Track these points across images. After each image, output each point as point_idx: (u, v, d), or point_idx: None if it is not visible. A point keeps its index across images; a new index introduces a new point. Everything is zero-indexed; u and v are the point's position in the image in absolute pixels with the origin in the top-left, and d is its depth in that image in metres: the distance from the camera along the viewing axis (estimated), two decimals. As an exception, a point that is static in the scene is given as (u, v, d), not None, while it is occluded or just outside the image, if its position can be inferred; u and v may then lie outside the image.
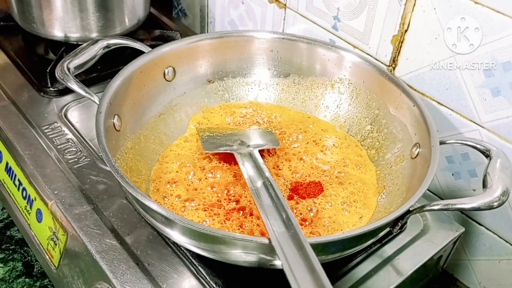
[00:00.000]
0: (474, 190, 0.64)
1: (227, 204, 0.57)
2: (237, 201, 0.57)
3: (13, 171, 0.66)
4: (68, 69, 0.61)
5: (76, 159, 0.64)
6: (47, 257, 0.62)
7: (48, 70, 0.73)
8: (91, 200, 0.58)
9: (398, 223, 0.52)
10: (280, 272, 0.41)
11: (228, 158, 0.63)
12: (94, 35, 0.78)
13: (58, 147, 0.65)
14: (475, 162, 0.62)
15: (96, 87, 0.75)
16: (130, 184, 0.47)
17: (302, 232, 0.45)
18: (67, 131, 0.68)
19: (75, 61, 0.62)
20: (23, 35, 0.84)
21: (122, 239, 0.54)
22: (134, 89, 0.62)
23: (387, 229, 0.52)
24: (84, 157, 0.64)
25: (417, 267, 0.56)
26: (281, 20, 0.79)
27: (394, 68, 0.66)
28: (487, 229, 0.64)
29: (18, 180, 0.65)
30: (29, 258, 0.70)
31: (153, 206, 0.46)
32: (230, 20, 0.89)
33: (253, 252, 0.45)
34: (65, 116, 0.70)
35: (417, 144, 0.58)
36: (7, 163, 0.68)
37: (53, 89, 0.73)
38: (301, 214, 0.57)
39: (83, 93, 0.59)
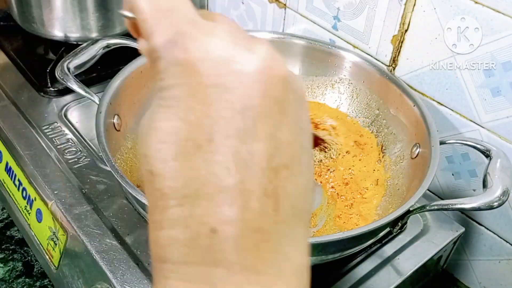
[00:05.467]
0: (474, 190, 0.64)
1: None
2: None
3: (13, 171, 0.66)
4: (68, 69, 0.61)
5: (76, 159, 0.64)
6: (47, 257, 0.62)
7: (48, 70, 0.73)
8: (91, 200, 0.58)
9: (398, 223, 0.52)
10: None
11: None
12: (94, 35, 0.78)
13: (58, 147, 0.65)
14: (475, 162, 0.62)
15: (96, 87, 0.75)
16: (130, 184, 0.47)
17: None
18: (67, 131, 0.68)
19: (75, 61, 0.62)
20: (23, 35, 0.84)
21: (122, 239, 0.54)
22: (134, 89, 0.62)
23: (387, 229, 0.52)
24: (84, 157, 0.64)
25: (417, 267, 0.56)
26: (281, 20, 0.79)
27: (394, 68, 0.66)
28: (487, 229, 0.64)
29: (18, 180, 0.65)
30: (29, 258, 0.70)
31: (153, 206, 0.46)
32: (230, 20, 0.89)
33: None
34: (65, 116, 0.70)
35: (417, 144, 0.58)
36: (7, 163, 0.68)
37: (53, 89, 0.73)
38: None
39: (83, 93, 0.59)
